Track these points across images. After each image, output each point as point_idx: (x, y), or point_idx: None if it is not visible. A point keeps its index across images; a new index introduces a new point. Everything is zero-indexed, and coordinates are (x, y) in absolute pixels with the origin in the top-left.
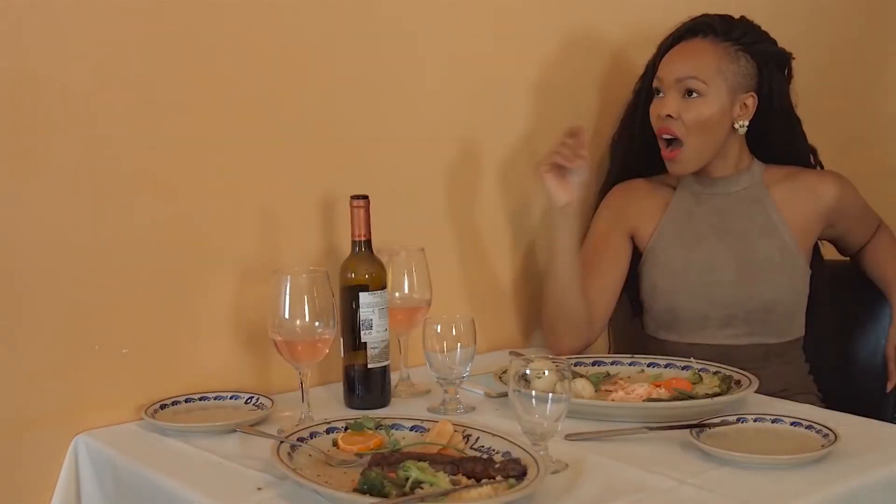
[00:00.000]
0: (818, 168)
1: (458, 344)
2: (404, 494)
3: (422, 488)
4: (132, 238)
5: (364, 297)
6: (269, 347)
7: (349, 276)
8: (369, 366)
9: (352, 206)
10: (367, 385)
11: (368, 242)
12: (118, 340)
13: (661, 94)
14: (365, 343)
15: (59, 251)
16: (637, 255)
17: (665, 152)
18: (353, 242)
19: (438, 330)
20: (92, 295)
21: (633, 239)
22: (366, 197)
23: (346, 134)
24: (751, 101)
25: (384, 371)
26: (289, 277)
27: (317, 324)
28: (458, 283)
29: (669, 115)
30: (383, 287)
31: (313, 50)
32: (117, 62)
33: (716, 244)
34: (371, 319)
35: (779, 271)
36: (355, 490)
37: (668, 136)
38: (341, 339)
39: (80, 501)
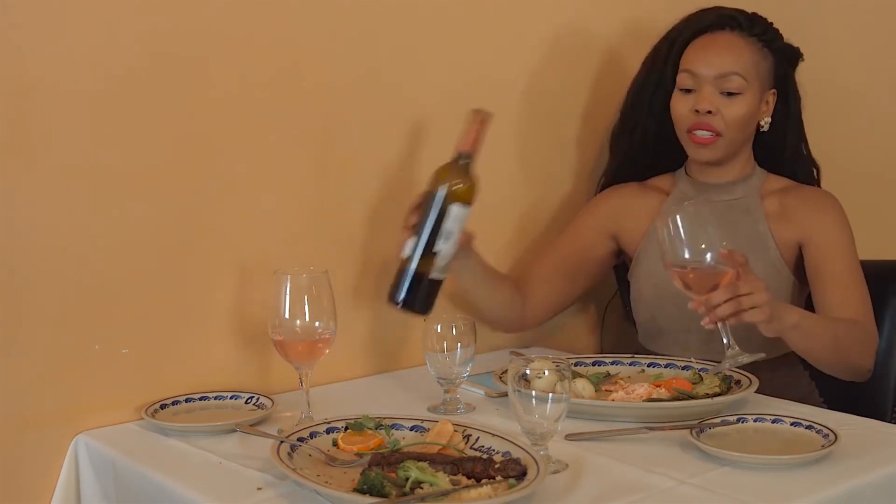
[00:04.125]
0: (817, 186)
1: (458, 344)
2: (404, 494)
3: (422, 488)
4: (132, 238)
5: (456, 210)
6: (269, 347)
7: (451, 183)
8: (431, 275)
9: (473, 119)
10: (417, 290)
11: (471, 159)
12: (118, 340)
13: (692, 90)
14: (436, 253)
15: (60, 251)
16: (628, 263)
17: (698, 137)
18: (460, 154)
19: (438, 330)
20: (92, 295)
21: (619, 244)
22: (490, 114)
23: (346, 135)
24: (772, 99)
25: (439, 285)
26: (289, 277)
27: (317, 324)
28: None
29: (709, 112)
30: (470, 204)
31: (313, 52)
32: (117, 63)
33: None
34: (453, 233)
35: None
36: (355, 490)
37: (707, 133)
38: (416, 239)
39: (80, 501)
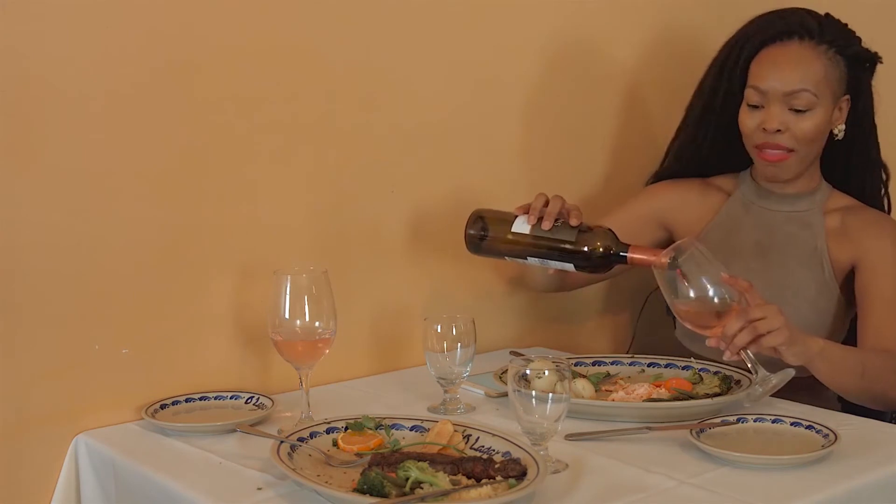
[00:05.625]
0: (881, 200)
1: (458, 344)
2: (404, 494)
3: (422, 488)
4: (132, 238)
5: (570, 266)
6: (269, 347)
7: (595, 252)
8: (506, 256)
9: (662, 257)
10: (488, 246)
11: (621, 259)
12: (118, 340)
13: (760, 106)
14: (525, 259)
15: (59, 251)
16: None
17: (768, 154)
18: (626, 248)
19: (438, 330)
20: (92, 295)
21: (673, 237)
22: (673, 269)
23: (346, 134)
24: (845, 105)
25: (501, 259)
26: (289, 277)
27: (317, 324)
28: (458, 282)
29: (778, 130)
30: (577, 270)
31: (313, 52)
32: (117, 64)
33: (754, 263)
34: (549, 266)
35: (810, 307)
36: (355, 490)
37: (777, 151)
38: (530, 228)
39: (80, 501)
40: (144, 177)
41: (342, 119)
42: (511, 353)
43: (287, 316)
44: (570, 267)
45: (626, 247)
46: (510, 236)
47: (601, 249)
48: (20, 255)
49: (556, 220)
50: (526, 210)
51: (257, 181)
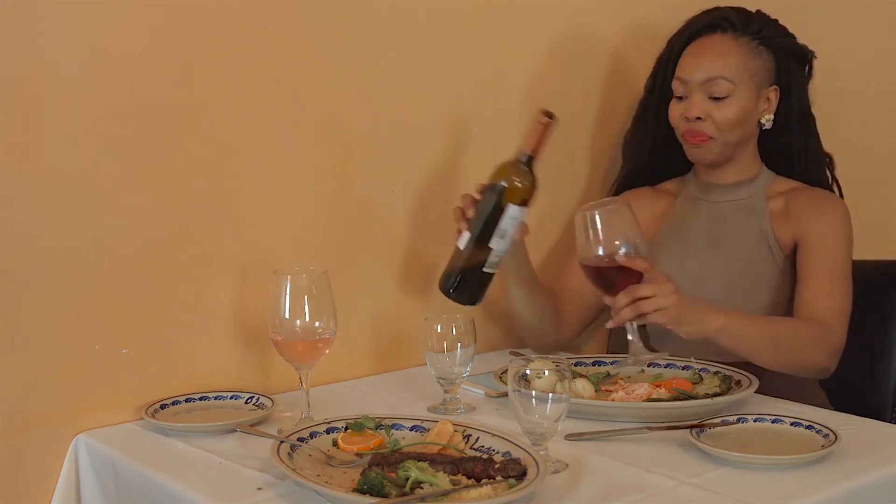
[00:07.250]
0: (829, 188)
1: (458, 344)
2: (404, 494)
3: (422, 488)
4: (132, 238)
5: (513, 210)
6: (269, 347)
7: (512, 182)
8: (484, 269)
9: (538, 121)
10: (469, 280)
11: (533, 161)
12: (118, 340)
13: (684, 97)
14: (491, 248)
15: (59, 251)
16: None
17: (691, 138)
18: (522, 153)
19: (438, 330)
20: (92, 295)
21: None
22: (554, 118)
23: (346, 134)
24: (773, 95)
25: (489, 278)
26: (289, 277)
27: (317, 324)
28: None
29: (698, 118)
30: (527, 205)
31: (313, 52)
32: (117, 63)
33: (708, 256)
34: (508, 232)
35: (769, 288)
36: (355, 490)
37: (700, 139)
38: (468, 231)
39: (80, 501)
40: (144, 177)
41: (343, 119)
42: (511, 353)
43: (287, 316)
44: (516, 212)
45: (525, 149)
46: (467, 253)
47: (514, 174)
48: (20, 255)
49: (476, 202)
50: (458, 233)
51: (258, 181)
